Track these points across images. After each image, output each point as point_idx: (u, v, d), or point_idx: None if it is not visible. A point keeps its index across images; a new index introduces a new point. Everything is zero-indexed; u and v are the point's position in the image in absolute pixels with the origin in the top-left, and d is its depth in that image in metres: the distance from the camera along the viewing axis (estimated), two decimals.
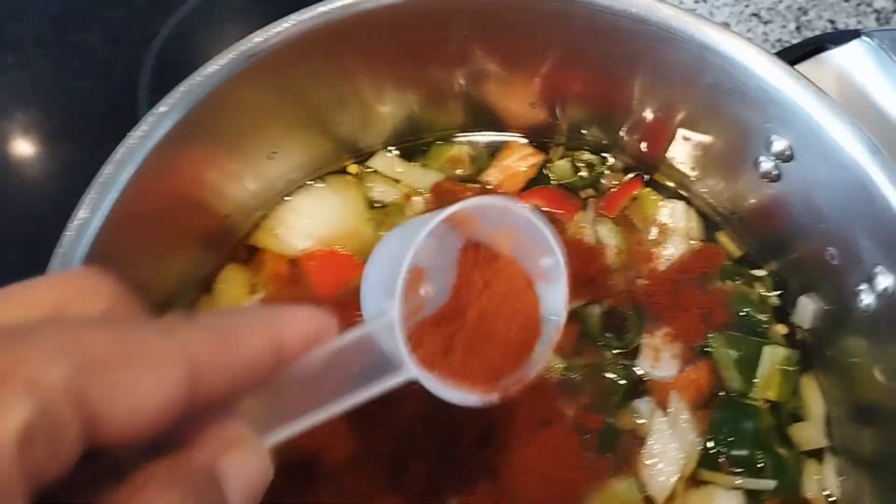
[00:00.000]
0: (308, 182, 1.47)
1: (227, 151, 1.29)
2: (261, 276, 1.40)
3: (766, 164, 1.25)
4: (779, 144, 1.21)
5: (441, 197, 1.45)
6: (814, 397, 1.32)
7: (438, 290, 0.87)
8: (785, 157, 1.21)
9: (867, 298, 1.16)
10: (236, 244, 1.42)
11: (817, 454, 1.28)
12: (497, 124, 1.53)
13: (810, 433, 1.29)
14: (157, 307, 1.33)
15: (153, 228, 1.23)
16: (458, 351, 0.89)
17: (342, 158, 1.49)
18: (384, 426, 1.25)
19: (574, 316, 1.36)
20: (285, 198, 1.45)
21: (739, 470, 1.25)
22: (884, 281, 1.11)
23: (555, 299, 0.89)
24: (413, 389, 1.27)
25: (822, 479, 1.26)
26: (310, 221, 1.43)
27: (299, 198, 1.46)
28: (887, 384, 1.18)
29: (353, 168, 1.50)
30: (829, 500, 1.25)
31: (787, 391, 1.31)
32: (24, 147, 1.71)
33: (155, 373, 0.49)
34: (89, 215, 1.08)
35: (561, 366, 1.31)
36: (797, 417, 1.31)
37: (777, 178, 1.25)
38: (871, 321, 1.17)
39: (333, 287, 1.37)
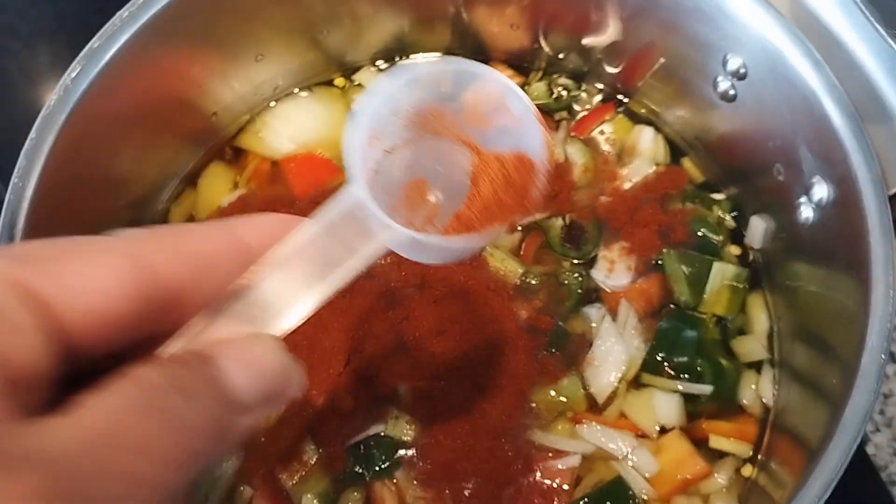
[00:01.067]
0: (295, 91, 1.54)
1: (214, 49, 1.36)
2: (244, 174, 1.48)
3: (724, 84, 1.30)
4: (734, 62, 1.26)
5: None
6: (759, 314, 1.37)
7: (450, 198, 0.79)
8: (740, 76, 1.26)
9: (806, 211, 1.21)
10: (222, 144, 1.50)
11: (756, 366, 1.34)
12: (481, 50, 1.58)
13: (752, 346, 1.35)
14: (141, 199, 1.42)
15: (136, 120, 1.31)
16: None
17: (329, 70, 1.56)
18: (344, 316, 1.33)
19: (537, 227, 1.43)
20: (272, 104, 1.53)
21: (680, 375, 1.30)
22: (819, 191, 1.16)
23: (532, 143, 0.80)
24: (375, 281, 1.37)
25: (759, 388, 1.31)
26: (294, 127, 1.51)
27: (286, 104, 1.53)
28: (824, 306, 1.23)
29: (339, 81, 1.57)
30: (765, 408, 1.31)
31: (734, 307, 1.37)
32: None
33: (97, 260, 0.48)
34: (59, 99, 1.16)
35: (520, 270, 1.37)
36: (742, 332, 1.37)
37: (733, 98, 1.31)
38: (810, 237, 1.22)
39: (311, 188, 1.45)
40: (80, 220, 1.22)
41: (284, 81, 1.52)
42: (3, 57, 1.75)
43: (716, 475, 1.25)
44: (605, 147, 1.51)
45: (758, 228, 1.37)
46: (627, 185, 1.46)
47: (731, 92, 1.30)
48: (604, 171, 1.47)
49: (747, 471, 1.26)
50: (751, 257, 1.41)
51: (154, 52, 1.27)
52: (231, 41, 1.38)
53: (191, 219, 1.45)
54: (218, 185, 1.47)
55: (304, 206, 1.42)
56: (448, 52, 1.60)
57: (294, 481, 1.25)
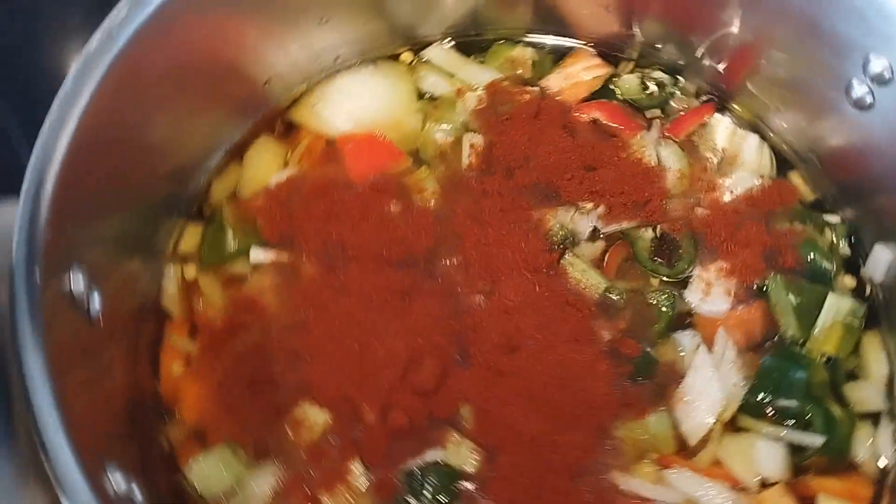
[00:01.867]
0: (357, 64, 1.38)
1: (275, 5, 1.19)
2: (295, 151, 1.31)
3: (860, 90, 1.13)
4: (877, 64, 1.08)
5: (495, 96, 1.34)
6: (876, 357, 1.20)
7: None
8: (882, 80, 1.09)
9: None
10: (273, 115, 1.34)
11: (873, 418, 1.16)
12: (565, 29, 1.42)
13: (868, 394, 1.17)
14: (181, 170, 1.25)
15: (182, 80, 1.14)
16: None
17: (396, 43, 1.39)
18: (401, 321, 1.16)
19: (623, 237, 1.26)
20: (332, 75, 1.36)
21: (786, 422, 1.13)
22: None
23: None
24: (438, 283, 1.20)
25: (875, 444, 1.14)
26: (354, 103, 1.34)
27: (347, 77, 1.36)
28: None
29: (406, 55, 1.40)
30: (881, 467, 1.13)
31: (848, 347, 1.19)
32: None
33: None
34: (101, 44, 0.99)
35: (602, 285, 1.20)
36: (854, 376, 1.19)
37: (870, 107, 1.13)
38: None
39: (368, 171, 1.27)
40: (114, 188, 1.05)
41: (347, 50, 1.35)
42: (27, 18, 1.56)
43: None
44: (705, 153, 1.33)
45: (882, 259, 1.20)
46: (728, 198, 1.28)
47: (868, 99, 1.13)
48: (702, 179, 1.30)
49: None
50: (868, 291, 1.24)
51: (208, 3, 1.10)
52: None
53: (233, 197, 1.28)
54: (266, 162, 1.31)
55: (362, 191, 1.25)
56: (529, 31, 1.43)
57: None
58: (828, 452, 1.12)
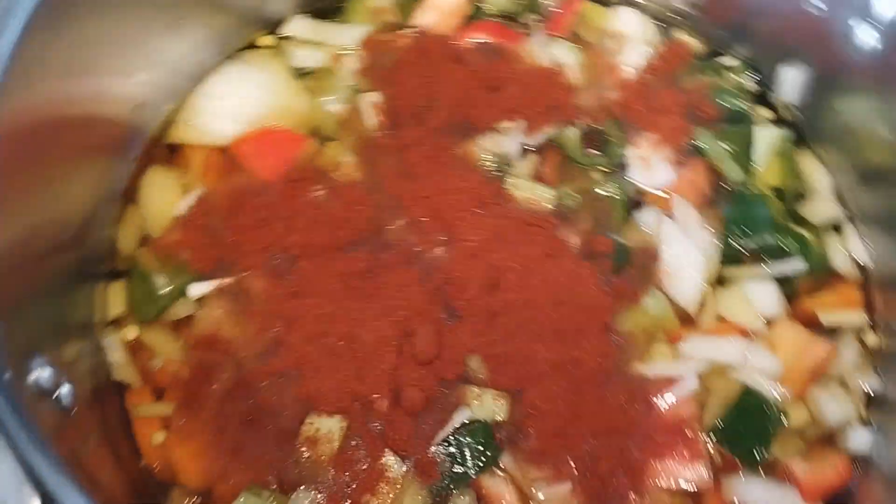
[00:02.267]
0: (220, 63, 1.27)
1: (117, 31, 1.08)
2: (191, 173, 1.20)
3: None
4: None
5: (374, 50, 1.28)
6: (816, 171, 1.24)
7: None
8: None
9: (864, 35, 1.07)
10: (152, 144, 1.21)
11: (835, 227, 1.21)
12: None
13: (822, 207, 1.21)
14: (78, 229, 1.12)
15: (44, 141, 1.01)
16: None
17: (250, 31, 1.30)
18: (375, 301, 1.09)
19: (550, 143, 1.24)
20: (198, 84, 1.25)
21: (765, 258, 1.15)
22: (883, 6, 1.02)
23: None
24: (395, 250, 1.13)
25: (848, 248, 1.18)
26: (232, 103, 1.24)
27: (213, 80, 1.26)
28: (885, 136, 1.10)
29: (265, 39, 1.31)
30: (862, 269, 1.18)
31: (788, 172, 1.23)
32: None
33: None
34: None
35: (552, 195, 1.18)
36: (803, 196, 1.23)
37: None
38: (870, 64, 1.09)
39: (277, 166, 1.18)
40: (20, 268, 0.92)
41: (205, 53, 1.25)
42: None
43: (841, 353, 1.10)
44: (592, 40, 1.33)
45: (789, 78, 1.24)
46: (631, 74, 1.28)
47: None
48: (600, 65, 1.29)
49: (871, 340, 1.13)
50: (784, 115, 1.28)
51: (53, 35, 0.98)
52: (135, 10, 1.09)
53: (145, 241, 1.16)
54: (165, 193, 1.19)
55: (280, 187, 1.16)
56: None
57: None
58: (810, 272, 1.15)
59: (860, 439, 1.06)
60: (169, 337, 1.11)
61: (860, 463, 1.05)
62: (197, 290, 1.11)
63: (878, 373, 1.11)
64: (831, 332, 1.13)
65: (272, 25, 1.32)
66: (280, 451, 1.03)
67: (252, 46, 1.31)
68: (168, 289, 1.11)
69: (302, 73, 1.28)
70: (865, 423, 1.08)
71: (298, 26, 1.31)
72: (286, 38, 1.31)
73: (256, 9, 1.29)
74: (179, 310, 1.11)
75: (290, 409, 1.05)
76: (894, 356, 1.10)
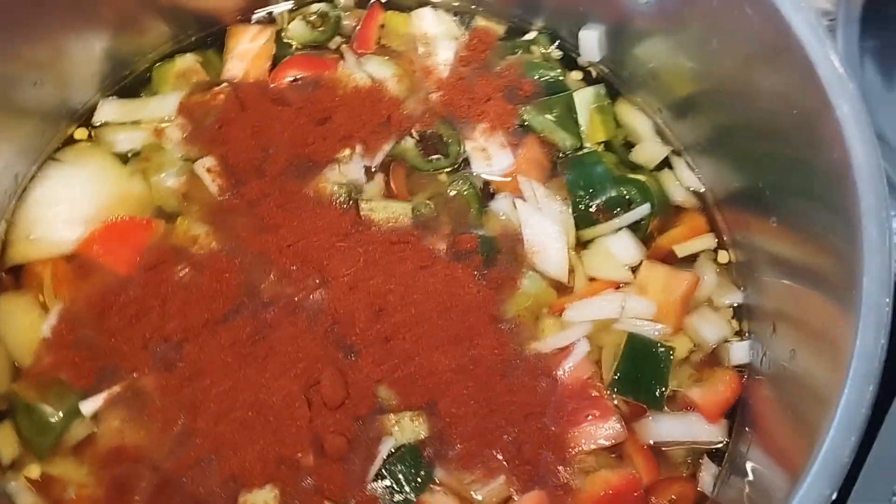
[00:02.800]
0: (38, 170, 1.23)
1: None
2: (45, 289, 1.16)
3: None
4: None
5: (193, 114, 1.27)
6: (636, 118, 1.33)
7: None
8: None
9: None
10: None
11: (666, 164, 1.30)
12: (206, 20, 1.35)
13: (649, 148, 1.30)
14: None
15: None
16: None
17: (61, 128, 1.25)
18: (271, 363, 1.10)
19: (392, 158, 1.27)
20: (22, 196, 1.20)
21: (614, 212, 1.23)
22: None
23: None
24: (274, 307, 1.14)
25: (682, 180, 1.28)
26: (66, 207, 1.20)
27: (38, 189, 1.21)
28: (693, 65, 1.19)
29: (79, 132, 1.27)
30: (699, 195, 1.28)
31: (611, 125, 1.31)
32: None
33: None
34: None
35: (408, 209, 1.21)
36: (631, 144, 1.32)
37: None
38: (650, 9, 1.18)
39: (134, 257, 1.16)
40: None
41: (20, 164, 1.20)
42: None
43: (702, 278, 1.20)
44: (400, 48, 1.36)
45: (589, 40, 1.32)
46: (446, 72, 1.33)
47: None
48: (415, 71, 1.33)
49: (723, 257, 1.24)
50: (594, 73, 1.36)
51: None
52: None
53: (15, 371, 1.12)
54: (22, 320, 1.15)
55: (140, 278, 1.15)
56: (176, 41, 1.35)
57: None
58: (656, 212, 1.24)
59: (740, 352, 1.16)
60: (74, 463, 1.08)
61: (746, 372, 1.15)
62: (89, 406, 1.08)
63: (737, 286, 1.21)
64: (689, 262, 1.23)
65: (81, 117, 1.27)
66: None
67: (69, 141, 1.26)
68: (58, 415, 1.08)
69: (127, 157, 1.25)
70: (741, 334, 1.18)
71: (109, 110, 1.27)
72: (100, 125, 1.27)
73: (60, 104, 1.25)
74: (76, 432, 1.09)
75: (220, 495, 1.05)
76: (746, 265, 1.21)
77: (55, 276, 1.16)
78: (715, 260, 1.23)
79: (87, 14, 1.22)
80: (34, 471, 1.07)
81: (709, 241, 1.24)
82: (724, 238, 1.24)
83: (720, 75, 1.14)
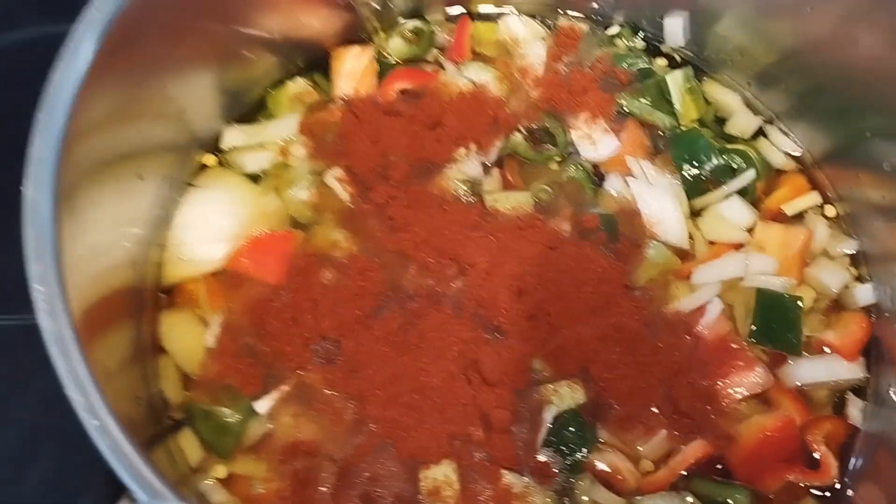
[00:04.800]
0: (179, 195, 1.29)
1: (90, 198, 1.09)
2: (202, 304, 1.22)
3: None
4: None
5: (314, 131, 1.34)
6: (724, 95, 1.41)
7: None
8: None
9: None
10: (153, 297, 1.23)
11: (761, 133, 1.38)
12: (308, 46, 1.43)
13: (742, 119, 1.38)
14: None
15: None
16: None
17: (191, 156, 1.32)
18: (428, 344, 1.16)
19: (505, 153, 1.35)
20: (168, 221, 1.27)
21: (721, 180, 1.30)
22: None
23: None
24: (423, 294, 1.21)
25: (780, 146, 1.36)
26: (210, 227, 1.27)
27: (182, 214, 1.28)
28: (784, 36, 1.28)
29: (208, 159, 1.34)
30: (796, 158, 1.35)
31: (701, 104, 1.39)
32: None
33: None
34: None
35: (528, 196, 1.29)
36: (722, 119, 1.40)
37: None
38: None
39: (281, 267, 1.23)
40: None
41: (166, 195, 1.26)
42: None
43: (815, 230, 1.27)
44: (494, 54, 1.44)
45: (673, 27, 1.40)
46: (541, 70, 1.41)
47: None
48: (513, 72, 1.41)
49: (830, 211, 1.30)
50: (678, 58, 1.44)
51: None
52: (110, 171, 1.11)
53: (189, 383, 1.18)
54: (186, 334, 1.21)
55: (292, 285, 1.21)
56: (285, 68, 1.42)
57: None
58: (760, 177, 1.31)
59: (863, 294, 1.23)
60: (255, 460, 1.13)
61: (873, 312, 1.22)
62: (263, 405, 1.14)
63: (848, 235, 1.28)
64: (797, 220, 1.30)
65: (207, 144, 1.35)
66: None
67: (202, 167, 1.33)
68: (236, 416, 1.14)
69: (257, 177, 1.32)
70: (861, 279, 1.25)
71: (234, 136, 1.35)
72: (227, 151, 1.35)
73: (189, 135, 1.31)
74: (254, 431, 1.14)
75: (401, 476, 1.11)
76: (854, 216, 1.28)
77: (209, 291, 1.23)
78: (822, 215, 1.30)
79: (207, 53, 1.29)
80: (221, 471, 1.12)
81: (814, 198, 1.31)
82: (829, 194, 1.31)
83: (814, 40, 1.22)
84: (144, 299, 1.21)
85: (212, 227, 1.27)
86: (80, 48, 0.95)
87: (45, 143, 0.90)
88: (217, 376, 1.16)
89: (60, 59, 0.95)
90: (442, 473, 1.09)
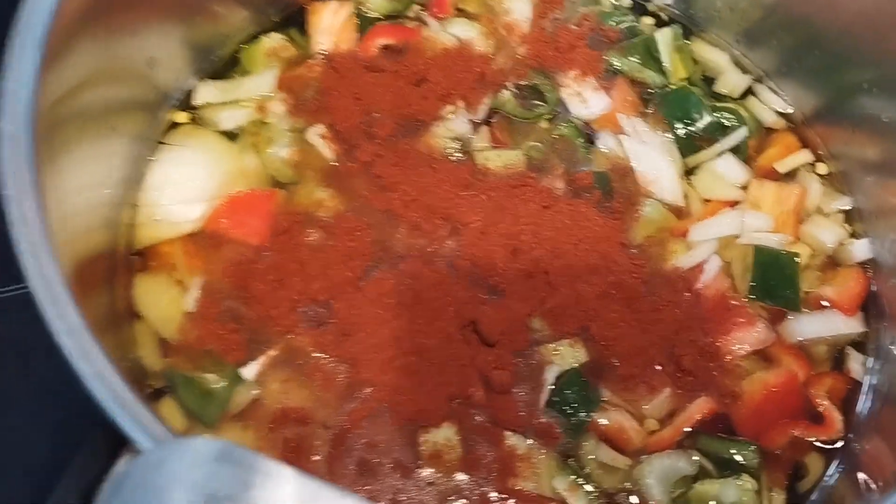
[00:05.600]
0: (150, 155, 1.21)
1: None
2: (179, 269, 1.15)
3: None
4: None
5: (293, 88, 1.28)
6: (712, 54, 1.39)
7: None
8: None
9: None
10: (125, 259, 1.14)
11: (750, 92, 1.36)
12: (281, 0, 1.36)
13: (732, 79, 1.36)
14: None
15: None
16: None
17: (161, 114, 1.24)
18: (423, 304, 1.11)
19: (493, 112, 1.30)
20: (139, 181, 1.19)
21: (713, 137, 1.28)
22: None
23: None
24: (415, 255, 1.16)
25: (769, 103, 1.34)
26: (185, 186, 1.19)
27: (154, 172, 1.20)
28: None
29: (180, 116, 1.26)
30: (787, 116, 1.34)
31: (689, 63, 1.36)
32: None
33: None
34: None
35: (519, 154, 1.25)
36: (710, 78, 1.37)
37: None
38: None
39: (263, 226, 1.16)
40: None
41: (135, 152, 1.18)
42: None
43: (808, 187, 1.26)
44: (479, 10, 1.39)
45: None
46: (527, 27, 1.37)
47: None
48: (497, 28, 1.37)
49: (822, 169, 1.30)
50: (664, 17, 1.42)
51: None
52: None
53: (167, 347, 1.10)
54: (162, 298, 1.13)
55: (276, 245, 1.15)
56: (258, 23, 1.35)
57: (534, 482, 1.04)
58: (753, 134, 1.30)
59: (859, 249, 1.21)
60: (243, 429, 1.07)
61: (869, 266, 1.21)
62: (250, 371, 1.08)
63: (841, 192, 1.27)
64: (791, 176, 1.29)
65: (178, 101, 1.27)
66: (411, 481, 1.04)
67: (174, 126, 1.25)
68: (222, 382, 1.07)
69: (233, 134, 1.25)
70: (856, 235, 1.24)
71: (207, 92, 1.27)
72: (200, 108, 1.27)
73: (157, 92, 1.24)
74: (240, 398, 1.07)
75: (399, 440, 1.06)
76: (846, 173, 1.27)
77: (185, 253, 1.15)
78: (814, 172, 1.29)
79: (171, 6, 1.21)
80: None
81: (806, 155, 1.30)
82: (820, 151, 1.30)
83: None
84: (117, 263, 1.13)
85: (187, 187, 1.19)
86: None
87: (19, 80, 0.83)
88: (197, 341, 1.09)
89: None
90: (443, 436, 1.05)
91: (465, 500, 1.02)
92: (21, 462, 1.17)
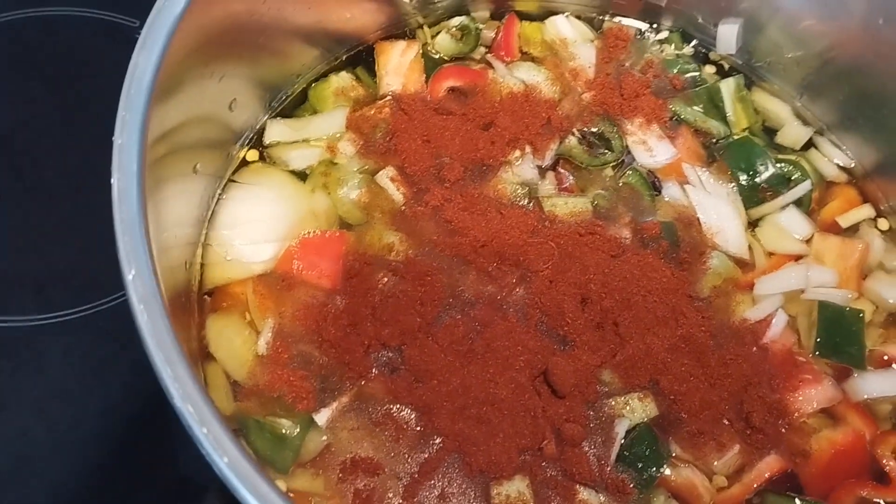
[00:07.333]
0: (222, 191, 1.22)
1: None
2: (252, 308, 1.15)
3: None
4: None
5: (361, 128, 1.28)
6: (774, 105, 1.40)
7: None
8: None
9: None
10: (199, 300, 1.15)
11: (812, 145, 1.37)
12: (347, 38, 1.37)
13: (792, 130, 1.37)
14: None
15: None
16: None
17: (232, 152, 1.25)
18: (494, 353, 1.12)
19: (559, 158, 1.31)
20: (211, 223, 1.20)
21: (778, 189, 1.29)
22: None
23: None
24: (486, 301, 1.16)
25: (829, 157, 1.35)
26: (255, 226, 1.20)
27: (224, 212, 1.20)
28: (849, 47, 1.27)
29: (250, 155, 1.27)
30: (850, 171, 1.35)
31: (751, 113, 1.37)
32: None
33: None
34: None
35: (587, 202, 1.25)
36: (770, 129, 1.38)
37: None
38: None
39: (334, 269, 1.17)
40: None
41: (208, 190, 1.19)
42: None
43: (871, 242, 1.27)
44: (544, 54, 1.41)
45: (728, 34, 1.39)
46: (592, 73, 1.38)
47: None
48: (564, 73, 1.38)
49: (884, 224, 1.30)
50: (726, 66, 1.43)
51: None
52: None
53: (239, 391, 1.10)
54: (235, 339, 1.13)
55: (347, 289, 1.15)
56: (326, 61, 1.36)
57: None
58: (815, 187, 1.31)
59: None
60: (313, 476, 1.07)
61: None
62: (323, 417, 1.08)
63: None
64: (852, 231, 1.29)
65: (249, 140, 1.28)
66: None
67: (244, 163, 1.26)
68: (295, 429, 1.07)
69: (302, 174, 1.26)
70: None
71: (278, 131, 1.28)
72: (270, 146, 1.28)
73: (227, 130, 1.24)
74: (312, 446, 1.07)
75: (471, 492, 1.06)
76: None
77: (256, 294, 1.16)
78: (876, 227, 1.30)
79: (242, 47, 1.22)
80: (280, 487, 1.05)
81: (868, 210, 1.31)
82: (881, 206, 1.31)
83: (882, 52, 1.21)
84: (191, 302, 1.13)
85: (258, 227, 1.20)
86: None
87: (127, 134, 0.84)
88: (268, 387, 1.09)
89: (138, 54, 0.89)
90: (515, 489, 1.05)
91: None
92: None
